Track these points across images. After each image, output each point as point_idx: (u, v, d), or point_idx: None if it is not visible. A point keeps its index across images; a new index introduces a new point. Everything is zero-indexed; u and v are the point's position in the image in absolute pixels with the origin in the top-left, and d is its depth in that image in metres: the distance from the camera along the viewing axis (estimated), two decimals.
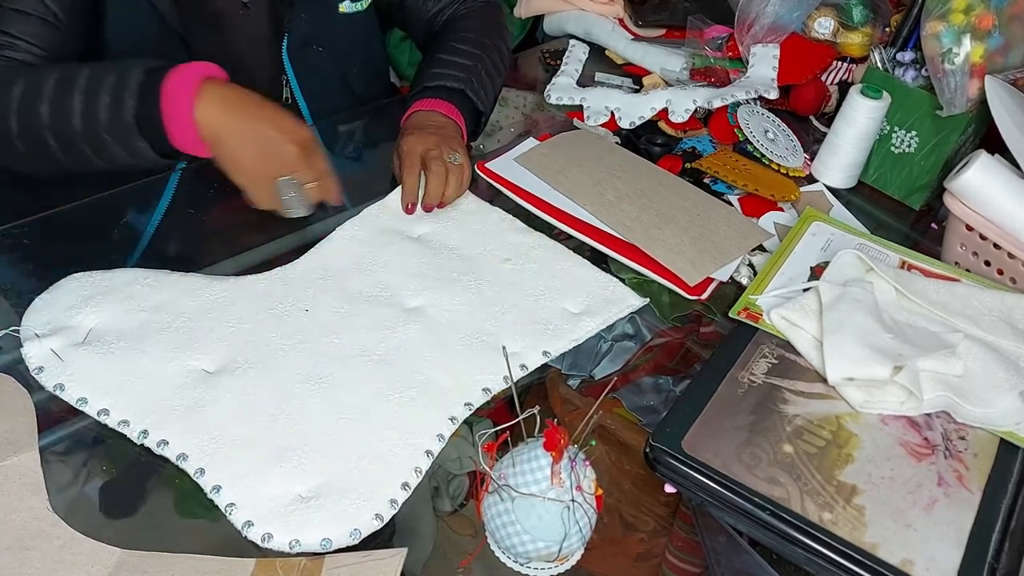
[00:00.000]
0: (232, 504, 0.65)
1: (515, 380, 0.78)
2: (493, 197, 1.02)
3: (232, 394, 0.73)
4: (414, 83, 1.05)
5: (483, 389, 0.77)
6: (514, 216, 0.97)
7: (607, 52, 1.29)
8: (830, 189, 1.09)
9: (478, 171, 1.03)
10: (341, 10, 1.07)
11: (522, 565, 0.65)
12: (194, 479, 0.67)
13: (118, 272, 0.82)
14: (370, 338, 0.80)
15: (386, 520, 0.66)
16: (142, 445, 0.69)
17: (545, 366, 0.81)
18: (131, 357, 0.74)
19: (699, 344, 0.88)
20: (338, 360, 0.77)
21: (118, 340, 0.76)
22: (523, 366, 0.79)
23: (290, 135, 0.84)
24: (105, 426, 0.70)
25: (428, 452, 0.71)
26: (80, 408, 0.70)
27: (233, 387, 0.73)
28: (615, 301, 0.88)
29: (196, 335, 0.77)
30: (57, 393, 0.71)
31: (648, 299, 0.88)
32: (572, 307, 0.86)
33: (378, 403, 0.74)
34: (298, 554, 0.63)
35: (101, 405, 0.70)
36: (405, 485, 0.68)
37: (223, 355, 0.76)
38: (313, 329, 0.80)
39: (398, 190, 0.96)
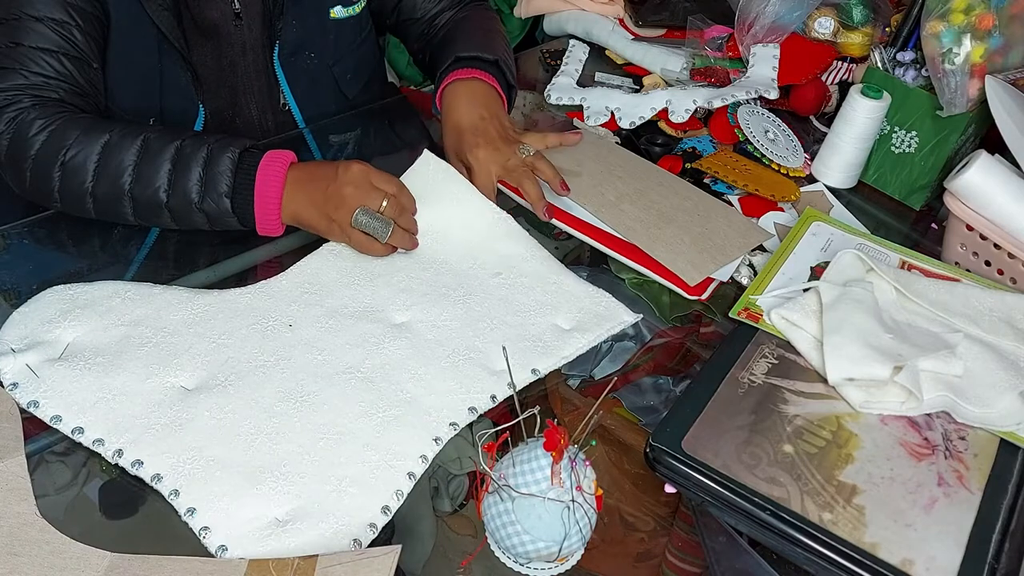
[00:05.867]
0: (206, 527, 0.64)
1: (503, 398, 0.77)
2: (493, 197, 1.01)
3: (210, 412, 0.71)
4: (437, 64, 1.05)
5: (469, 408, 0.75)
6: (514, 215, 0.96)
7: (607, 52, 1.29)
8: (830, 189, 1.09)
9: None
10: (332, 16, 1.07)
11: (522, 565, 0.65)
12: (168, 501, 0.65)
13: (99, 284, 0.80)
14: (355, 355, 0.78)
15: (365, 545, 0.64)
16: (116, 465, 0.67)
17: None
18: (108, 373, 0.73)
19: (699, 344, 0.88)
20: (321, 377, 0.76)
21: (96, 356, 0.74)
22: (511, 385, 0.77)
23: (341, 181, 0.84)
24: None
25: (410, 474, 0.69)
26: (54, 426, 0.69)
27: (212, 405, 0.72)
28: (608, 317, 0.86)
29: (176, 351, 0.76)
30: (31, 410, 0.69)
31: (641, 315, 0.87)
32: (563, 323, 0.85)
33: (361, 422, 0.72)
34: None
35: (76, 423, 0.69)
36: (386, 509, 0.67)
37: (203, 372, 0.75)
38: (296, 345, 0.78)
39: None
